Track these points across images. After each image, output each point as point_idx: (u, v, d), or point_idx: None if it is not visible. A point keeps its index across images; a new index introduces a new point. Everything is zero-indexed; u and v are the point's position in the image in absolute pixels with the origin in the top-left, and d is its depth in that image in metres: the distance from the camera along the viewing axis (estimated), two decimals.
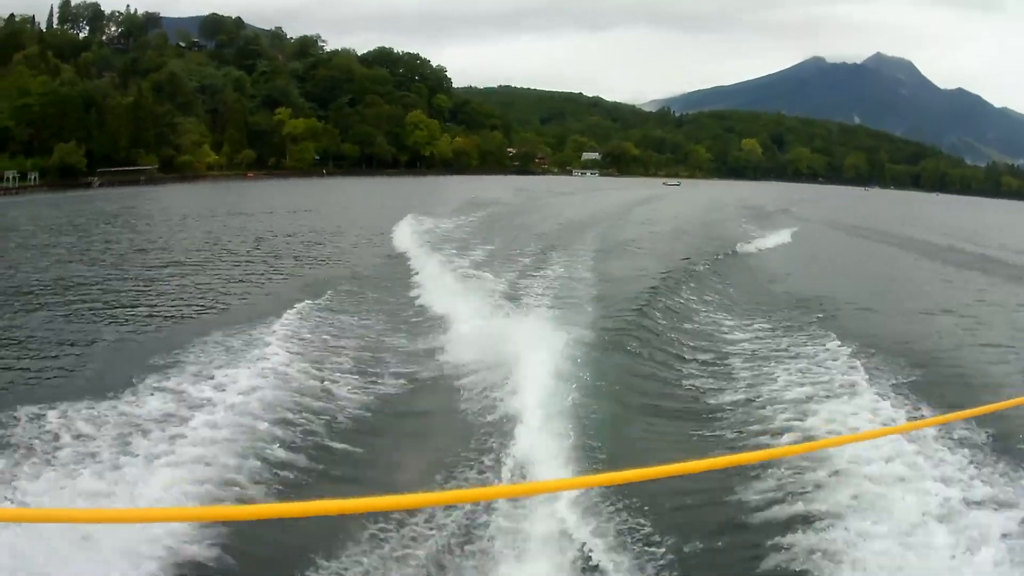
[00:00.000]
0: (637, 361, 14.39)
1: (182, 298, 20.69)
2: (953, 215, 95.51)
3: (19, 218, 48.40)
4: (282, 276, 25.05)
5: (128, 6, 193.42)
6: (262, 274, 25.35)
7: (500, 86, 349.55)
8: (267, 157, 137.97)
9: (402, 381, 12.81)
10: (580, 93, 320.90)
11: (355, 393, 11.90)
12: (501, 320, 16.01)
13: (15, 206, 62.47)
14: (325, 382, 12.21)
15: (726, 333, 17.08)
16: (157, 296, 20.95)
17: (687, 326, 17.78)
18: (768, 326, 17.67)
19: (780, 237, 40.71)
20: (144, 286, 22.56)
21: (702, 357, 14.99)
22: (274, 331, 14.65)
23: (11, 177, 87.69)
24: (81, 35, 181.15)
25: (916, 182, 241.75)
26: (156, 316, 18.19)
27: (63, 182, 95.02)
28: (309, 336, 14.87)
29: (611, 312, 18.24)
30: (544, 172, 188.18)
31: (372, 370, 13.23)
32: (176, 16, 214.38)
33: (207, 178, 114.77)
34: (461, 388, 12.20)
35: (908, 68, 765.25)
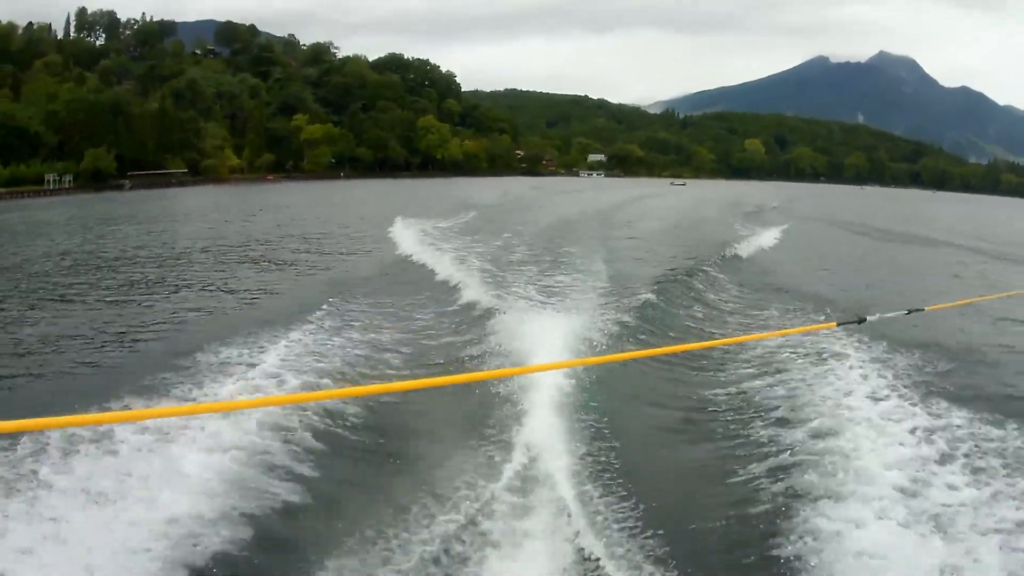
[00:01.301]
0: (644, 334, 15.53)
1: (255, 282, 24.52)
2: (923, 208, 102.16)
3: (88, 214, 53.31)
4: (310, 272, 26.74)
5: (144, 14, 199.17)
6: (303, 265, 28.35)
7: (506, 89, 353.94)
8: (285, 161, 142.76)
9: (426, 360, 13.58)
10: (585, 96, 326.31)
11: (381, 369, 12.80)
12: (518, 301, 17.47)
13: (64, 204, 67.32)
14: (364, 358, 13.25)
15: (728, 312, 19.05)
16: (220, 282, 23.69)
17: (698, 307, 19.54)
18: (756, 297, 20.74)
19: (766, 229, 44.85)
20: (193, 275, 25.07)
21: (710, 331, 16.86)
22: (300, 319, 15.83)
23: (51, 180, 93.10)
24: (98, 43, 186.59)
25: (916, 180, 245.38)
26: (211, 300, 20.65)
27: (96, 184, 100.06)
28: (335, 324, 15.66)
29: (627, 283, 20.87)
30: (552, 174, 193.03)
31: (396, 351, 14.03)
32: (181, 20, 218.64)
33: (230, 181, 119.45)
34: (476, 368, 12.80)
35: (912, 66, 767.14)
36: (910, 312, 8.60)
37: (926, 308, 10.59)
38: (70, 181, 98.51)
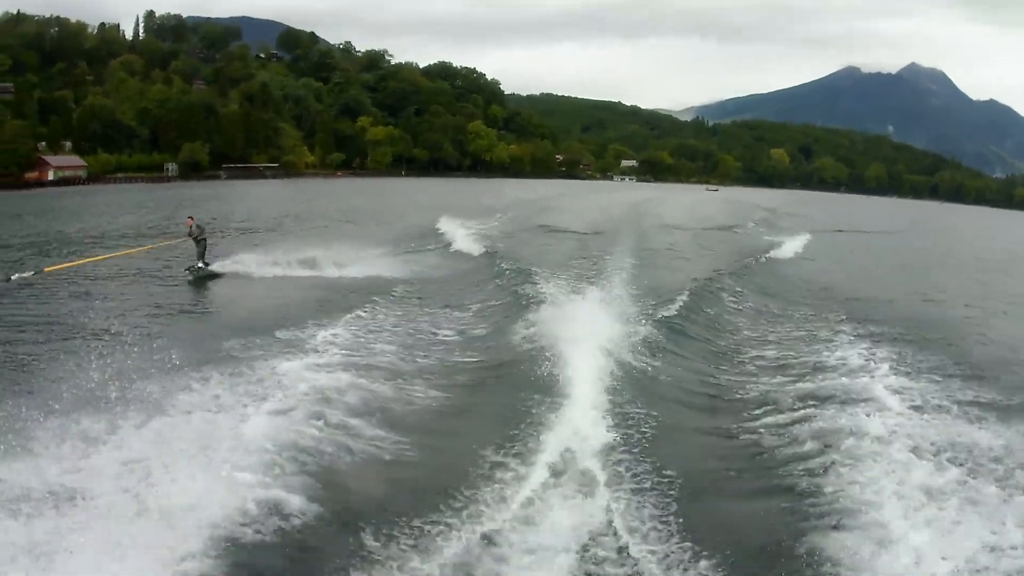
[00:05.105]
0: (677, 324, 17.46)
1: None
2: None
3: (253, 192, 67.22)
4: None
5: (209, 19, 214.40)
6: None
7: (542, 94, 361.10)
8: (351, 159, 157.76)
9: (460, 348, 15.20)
10: (619, 102, 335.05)
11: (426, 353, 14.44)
12: (560, 292, 19.43)
13: (197, 187, 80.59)
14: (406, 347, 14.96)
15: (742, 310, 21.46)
16: None
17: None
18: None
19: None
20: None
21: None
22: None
23: (169, 168, 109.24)
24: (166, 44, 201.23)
25: (934, 192, 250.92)
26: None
27: (196, 174, 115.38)
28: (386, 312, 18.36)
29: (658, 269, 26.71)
30: (589, 177, 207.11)
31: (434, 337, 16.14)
32: (215, 16, 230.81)
33: (306, 175, 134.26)
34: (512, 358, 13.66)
35: (941, 79, 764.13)
36: (36, 273, 11.43)
37: (45, 269, 13.81)
38: (175, 170, 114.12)
